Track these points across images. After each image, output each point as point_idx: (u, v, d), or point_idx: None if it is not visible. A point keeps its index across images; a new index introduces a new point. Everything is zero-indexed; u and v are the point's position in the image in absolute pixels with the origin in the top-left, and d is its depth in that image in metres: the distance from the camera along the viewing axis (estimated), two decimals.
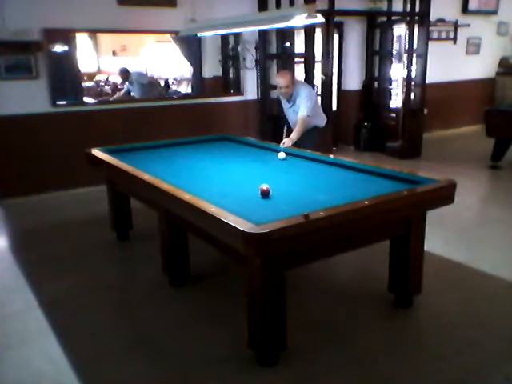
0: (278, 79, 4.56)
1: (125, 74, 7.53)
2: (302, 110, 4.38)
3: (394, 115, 7.26)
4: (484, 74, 9.34)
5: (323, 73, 6.57)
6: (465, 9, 8.54)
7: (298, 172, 3.35)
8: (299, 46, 6.75)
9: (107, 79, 10.33)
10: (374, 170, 3.13)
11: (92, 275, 3.53)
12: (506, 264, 3.56)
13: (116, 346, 2.65)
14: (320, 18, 3.06)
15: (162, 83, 8.87)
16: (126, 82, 7.59)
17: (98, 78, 10.57)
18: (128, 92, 7.57)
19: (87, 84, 9.45)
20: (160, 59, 9.97)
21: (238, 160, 3.74)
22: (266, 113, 6.70)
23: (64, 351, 2.59)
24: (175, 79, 9.41)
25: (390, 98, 7.46)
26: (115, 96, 7.95)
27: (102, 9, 5.36)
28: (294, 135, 4.24)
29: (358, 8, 7.16)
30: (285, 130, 4.26)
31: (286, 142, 4.05)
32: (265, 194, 2.65)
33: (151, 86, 7.66)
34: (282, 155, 3.68)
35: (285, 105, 4.75)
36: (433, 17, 7.19)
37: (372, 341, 2.65)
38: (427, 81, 7.05)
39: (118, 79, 9.96)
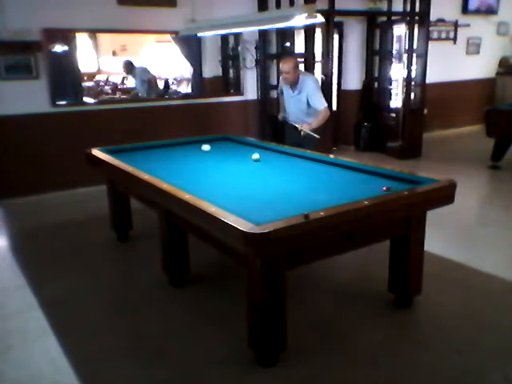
0: (281, 64, 4.57)
1: (129, 66, 7.64)
2: (319, 103, 4.44)
3: (393, 115, 7.26)
4: (484, 74, 9.35)
5: (323, 73, 6.57)
6: (465, 9, 8.55)
7: (298, 172, 3.35)
8: (299, 46, 6.75)
9: (107, 79, 10.34)
10: (373, 170, 3.12)
11: (92, 275, 3.53)
12: (506, 264, 3.56)
13: (116, 346, 2.65)
14: (320, 18, 3.06)
15: (162, 83, 8.87)
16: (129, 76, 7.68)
17: (97, 78, 10.58)
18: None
19: (87, 84, 9.45)
20: (160, 59, 9.96)
21: (238, 160, 3.74)
22: (266, 113, 6.69)
23: (64, 351, 2.59)
24: (175, 79, 9.41)
25: (390, 98, 7.46)
26: (131, 94, 8.10)
27: (102, 9, 5.37)
28: (314, 123, 4.32)
29: (358, 8, 7.16)
30: (280, 117, 4.40)
31: (304, 126, 4.07)
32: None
33: (152, 84, 7.70)
34: (206, 147, 3.86)
35: (287, 92, 4.69)
36: (433, 17, 7.19)
37: (372, 341, 2.65)
38: (427, 81, 7.06)
39: (118, 79, 9.98)
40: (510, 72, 9.36)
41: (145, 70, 7.85)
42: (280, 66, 4.80)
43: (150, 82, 7.73)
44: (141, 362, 2.50)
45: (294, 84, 4.54)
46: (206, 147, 3.82)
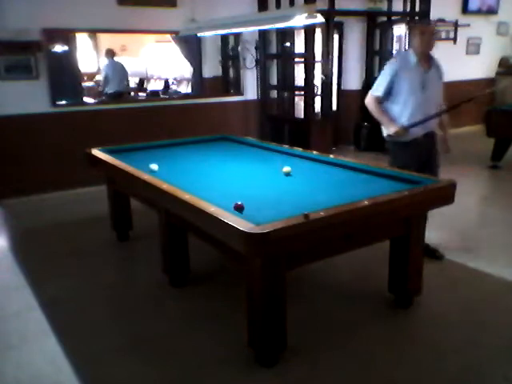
0: (426, 27, 3.51)
1: (109, 52, 8.06)
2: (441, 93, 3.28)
3: None
4: (484, 74, 9.34)
5: (323, 73, 6.56)
6: (465, 9, 8.55)
7: (298, 172, 3.35)
8: (299, 46, 6.75)
9: None
10: (373, 170, 3.12)
11: (92, 275, 3.53)
12: (506, 264, 3.55)
13: (116, 346, 2.65)
14: (320, 18, 3.07)
15: (162, 83, 8.90)
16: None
17: (97, 78, 10.57)
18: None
19: (87, 84, 9.46)
20: (160, 59, 9.97)
21: (237, 160, 3.74)
22: (266, 113, 6.70)
23: (64, 351, 2.59)
24: (175, 79, 9.42)
25: None
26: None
27: (102, 9, 5.37)
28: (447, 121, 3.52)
29: (358, 8, 7.17)
30: (394, 131, 3.23)
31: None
32: (239, 209, 2.36)
33: (105, 82, 7.99)
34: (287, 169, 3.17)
35: (416, 78, 3.30)
36: (433, 17, 7.18)
37: (372, 341, 2.65)
38: None
39: None
40: (510, 72, 9.36)
41: (105, 65, 8.10)
42: (426, 28, 3.55)
43: (105, 78, 7.98)
44: (141, 362, 2.50)
45: (428, 59, 3.45)
46: (154, 166, 3.29)
